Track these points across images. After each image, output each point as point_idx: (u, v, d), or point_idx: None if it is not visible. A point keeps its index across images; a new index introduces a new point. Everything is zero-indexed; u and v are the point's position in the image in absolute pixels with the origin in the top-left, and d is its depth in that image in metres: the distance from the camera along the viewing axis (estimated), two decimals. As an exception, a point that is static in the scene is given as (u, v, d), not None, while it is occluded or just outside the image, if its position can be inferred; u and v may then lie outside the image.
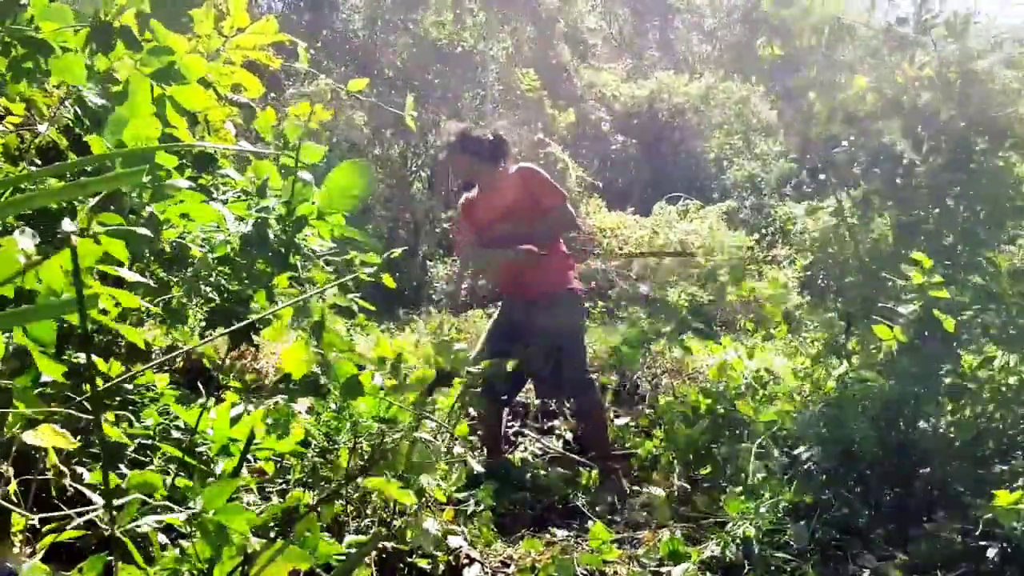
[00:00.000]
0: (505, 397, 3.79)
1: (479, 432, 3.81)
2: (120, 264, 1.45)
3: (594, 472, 3.64)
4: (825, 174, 3.23)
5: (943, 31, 3.16)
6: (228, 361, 3.27)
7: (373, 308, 2.18)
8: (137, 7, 1.71)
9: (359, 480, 2.29)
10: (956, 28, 3.11)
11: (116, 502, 1.44)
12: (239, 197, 2.03)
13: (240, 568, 1.43)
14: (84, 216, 1.45)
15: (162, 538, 1.65)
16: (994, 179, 2.99)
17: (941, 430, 2.87)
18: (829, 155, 3.20)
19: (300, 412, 2.41)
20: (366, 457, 2.34)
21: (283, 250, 1.83)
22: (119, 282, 1.64)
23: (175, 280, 1.95)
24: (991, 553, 2.41)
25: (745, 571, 2.57)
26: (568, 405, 4.43)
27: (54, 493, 1.65)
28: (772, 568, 2.55)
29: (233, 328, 1.87)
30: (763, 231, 10.27)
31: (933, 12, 3.21)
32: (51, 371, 1.41)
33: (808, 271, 3.40)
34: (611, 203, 10.99)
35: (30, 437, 1.26)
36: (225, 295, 1.88)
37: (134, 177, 0.83)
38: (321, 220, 1.89)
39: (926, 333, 2.83)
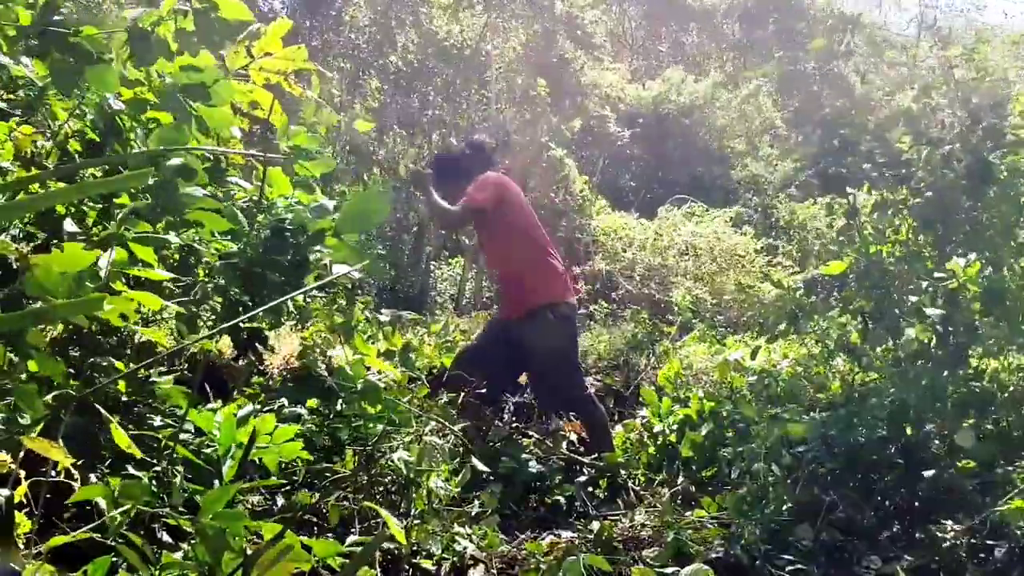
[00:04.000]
0: (485, 391, 3.77)
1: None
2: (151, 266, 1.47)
3: (602, 482, 3.63)
4: (835, 177, 3.23)
5: (958, 48, 3.18)
6: (235, 363, 3.28)
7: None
8: (181, 25, 1.77)
9: (360, 480, 2.29)
10: (971, 46, 3.13)
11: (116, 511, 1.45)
12: (249, 206, 2.05)
13: (241, 569, 1.43)
14: (115, 224, 1.47)
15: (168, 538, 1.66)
16: (1006, 186, 3.00)
17: (946, 432, 2.86)
18: (838, 159, 3.20)
19: (304, 412, 2.43)
20: (371, 458, 2.34)
21: (297, 259, 1.85)
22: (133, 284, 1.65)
23: (180, 286, 1.96)
24: (998, 553, 2.40)
25: (750, 572, 2.56)
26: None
27: (61, 493, 1.66)
28: (777, 569, 2.55)
29: (238, 330, 1.88)
30: (768, 231, 10.27)
31: (944, 27, 3.24)
32: (50, 370, 1.41)
33: (814, 271, 3.39)
34: (615, 204, 10.99)
35: (31, 444, 1.26)
36: (234, 302, 1.89)
37: (137, 180, 0.84)
38: (336, 239, 1.90)
39: (933, 341, 2.84)
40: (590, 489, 3.58)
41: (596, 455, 3.79)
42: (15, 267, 1.38)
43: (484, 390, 3.66)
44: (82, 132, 2.01)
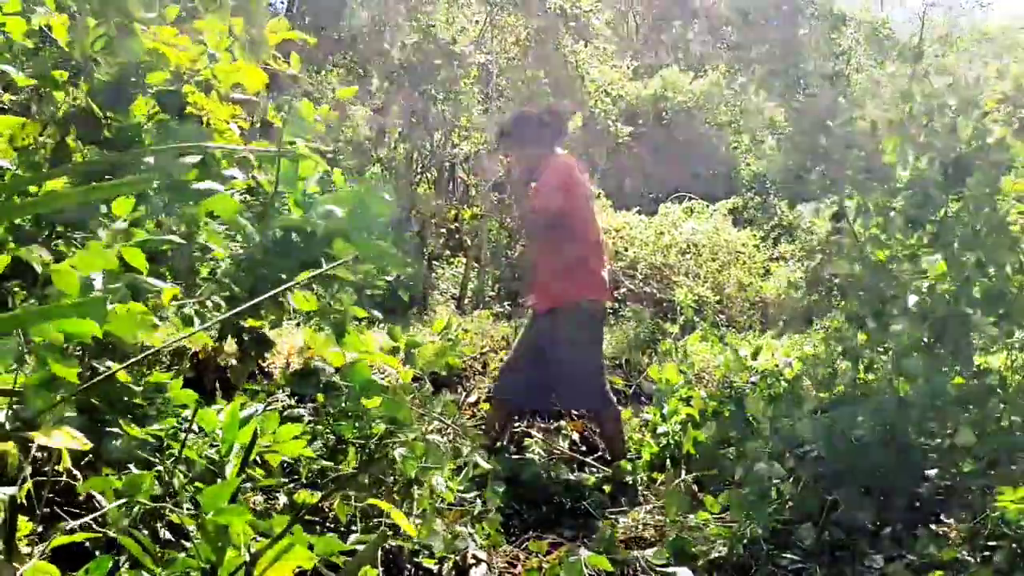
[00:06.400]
0: (514, 399, 3.80)
1: (482, 426, 3.81)
2: (140, 272, 1.46)
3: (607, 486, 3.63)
4: (823, 177, 3.25)
5: (934, 54, 3.21)
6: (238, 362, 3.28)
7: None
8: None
9: (363, 479, 2.29)
10: (947, 51, 3.16)
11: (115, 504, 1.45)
12: (245, 200, 2.03)
13: (244, 567, 1.43)
14: (109, 235, 1.47)
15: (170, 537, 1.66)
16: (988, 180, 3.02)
17: (948, 431, 2.86)
18: (827, 160, 3.22)
19: (305, 414, 2.42)
20: (374, 457, 2.34)
21: (304, 260, 1.84)
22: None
23: (185, 284, 1.95)
24: (998, 558, 2.40)
25: (753, 571, 2.56)
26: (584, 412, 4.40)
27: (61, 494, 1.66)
28: (780, 568, 2.55)
29: (244, 330, 1.88)
30: (769, 229, 10.26)
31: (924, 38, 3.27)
32: (64, 372, 1.41)
33: (814, 270, 3.40)
34: (616, 203, 10.98)
35: (42, 439, 1.26)
36: (237, 301, 1.88)
37: (145, 183, 0.84)
38: (344, 241, 1.89)
39: (931, 337, 2.84)
40: (593, 488, 3.57)
41: (605, 455, 3.80)
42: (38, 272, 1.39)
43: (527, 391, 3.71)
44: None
